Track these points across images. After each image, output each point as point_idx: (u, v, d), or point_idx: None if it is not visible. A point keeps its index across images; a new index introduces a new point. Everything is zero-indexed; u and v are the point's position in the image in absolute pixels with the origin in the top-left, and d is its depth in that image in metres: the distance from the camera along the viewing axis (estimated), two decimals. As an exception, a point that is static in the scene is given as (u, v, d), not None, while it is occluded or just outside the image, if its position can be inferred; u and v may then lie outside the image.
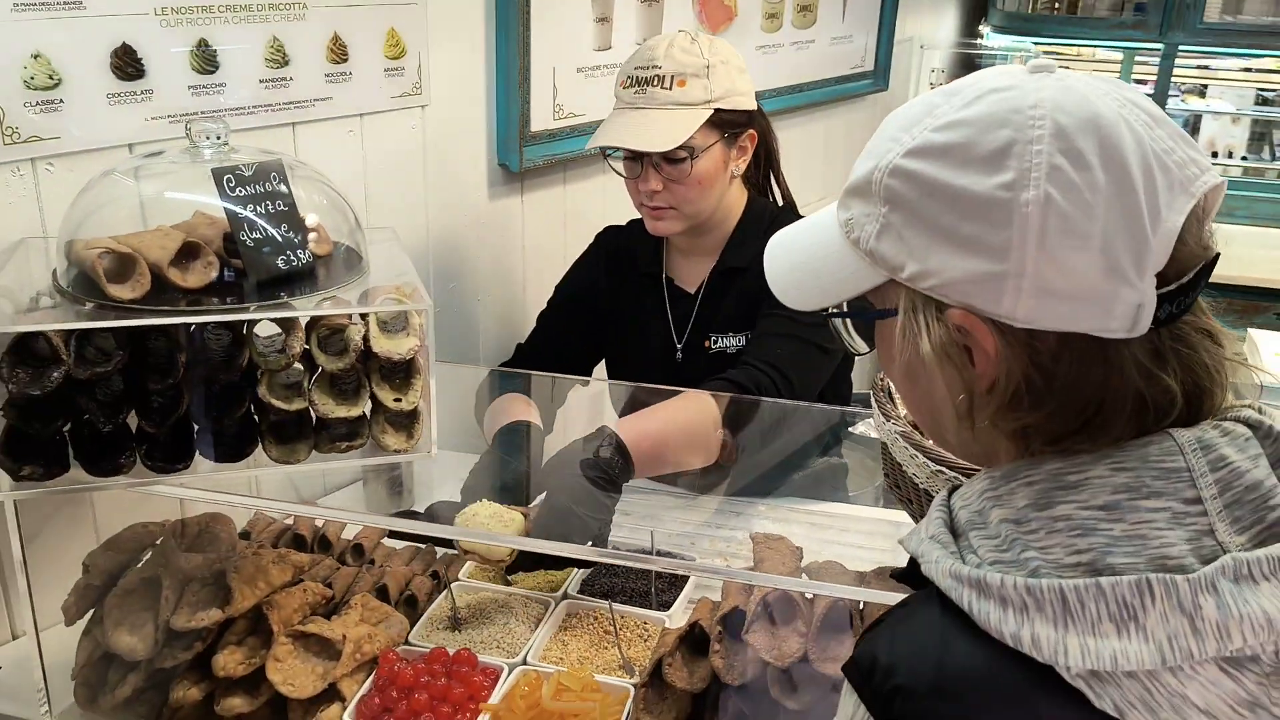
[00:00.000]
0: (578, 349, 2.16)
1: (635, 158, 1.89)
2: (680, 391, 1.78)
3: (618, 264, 2.13)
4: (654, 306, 2.08)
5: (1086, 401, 0.73)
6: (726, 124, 1.89)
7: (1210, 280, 0.76)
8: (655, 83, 1.85)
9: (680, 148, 1.83)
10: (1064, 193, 0.69)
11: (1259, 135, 7.34)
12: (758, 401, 1.88)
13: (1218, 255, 0.75)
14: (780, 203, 2.11)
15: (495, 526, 1.41)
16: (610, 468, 1.52)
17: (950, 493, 0.81)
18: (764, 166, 2.07)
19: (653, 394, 1.82)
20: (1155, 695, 0.66)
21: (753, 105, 1.93)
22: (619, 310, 2.11)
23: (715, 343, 2.00)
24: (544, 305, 2.19)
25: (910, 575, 0.79)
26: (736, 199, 2.00)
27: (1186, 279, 0.72)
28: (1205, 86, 7.25)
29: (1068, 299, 0.70)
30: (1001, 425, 0.76)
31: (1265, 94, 7.22)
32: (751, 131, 1.94)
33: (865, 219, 0.79)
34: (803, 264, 0.87)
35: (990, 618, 0.69)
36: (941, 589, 0.73)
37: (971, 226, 0.72)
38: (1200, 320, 0.75)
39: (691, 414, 1.76)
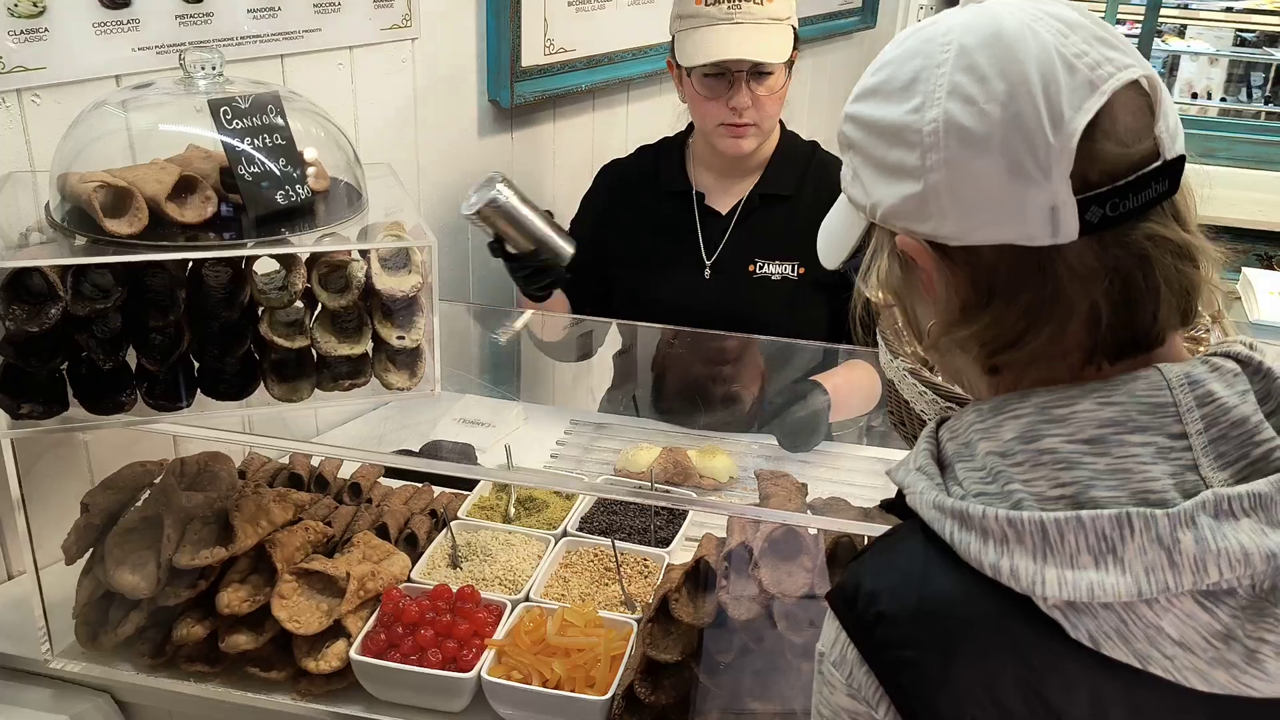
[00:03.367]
0: (597, 287, 2.15)
1: (722, 75, 1.90)
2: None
3: (632, 191, 2.12)
4: (682, 224, 2.07)
5: (1023, 311, 0.74)
6: (795, 40, 1.94)
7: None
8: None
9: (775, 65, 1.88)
10: (963, 105, 0.72)
11: (1237, 77, 7.35)
12: (751, 340, 1.90)
13: (1177, 161, 0.73)
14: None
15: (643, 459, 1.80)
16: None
17: (939, 425, 0.82)
18: None
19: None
20: (1130, 626, 0.68)
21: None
22: (639, 234, 2.10)
23: (760, 268, 2.01)
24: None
25: (898, 505, 0.81)
26: (773, 131, 2.03)
27: (1123, 182, 0.71)
28: (1184, 27, 7.23)
29: (981, 208, 0.72)
30: (951, 341, 0.78)
31: (1244, 35, 7.21)
32: (796, 51, 1.96)
33: (846, 168, 0.83)
34: (827, 228, 0.91)
35: (971, 548, 0.70)
36: (925, 520, 0.74)
37: (895, 154, 0.76)
38: (1171, 233, 0.73)
39: (865, 377, 1.93)
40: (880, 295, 0.84)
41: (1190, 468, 0.70)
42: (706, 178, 2.08)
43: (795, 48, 1.94)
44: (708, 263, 2.04)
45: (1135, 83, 0.72)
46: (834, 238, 0.89)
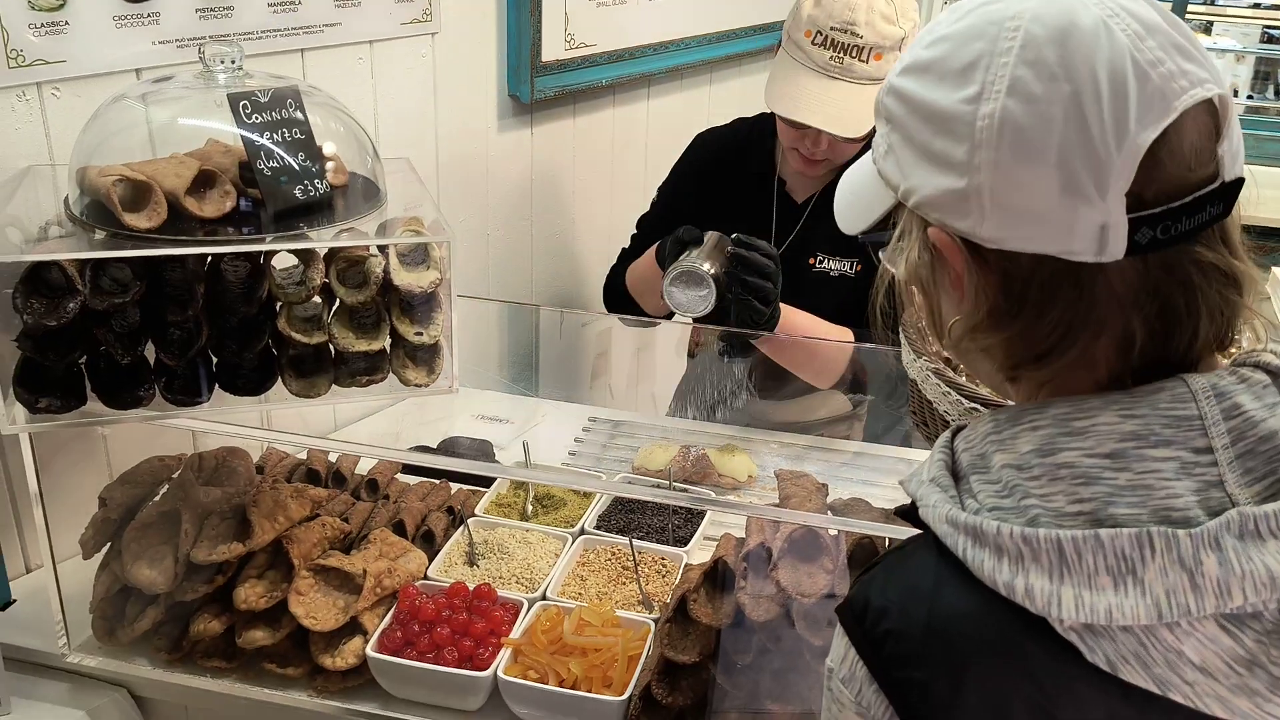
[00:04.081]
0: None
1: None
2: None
3: (720, 164, 2.06)
4: (759, 209, 2.02)
5: (1053, 327, 0.71)
6: None
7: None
8: (854, 53, 1.74)
9: None
10: (1023, 105, 0.67)
11: (1264, 74, 7.26)
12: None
13: (1234, 184, 0.69)
14: None
15: (661, 457, 1.78)
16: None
17: (954, 434, 0.79)
18: None
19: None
20: (1150, 650, 0.65)
21: None
22: (718, 210, 2.03)
23: (820, 263, 1.96)
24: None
25: (913, 513, 0.78)
26: None
27: (1178, 204, 0.67)
28: (1211, 24, 7.16)
29: (1026, 217, 0.68)
30: (973, 345, 0.76)
31: (1271, 32, 7.13)
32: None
33: (880, 140, 0.79)
34: (849, 187, 0.87)
35: (985, 566, 0.68)
36: (938, 534, 0.71)
37: (941, 142, 0.71)
38: (1218, 258, 0.70)
39: (834, 335, 1.88)
40: (905, 278, 0.80)
41: (1215, 484, 0.67)
42: (790, 166, 1.99)
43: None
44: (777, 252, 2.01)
45: (1208, 100, 0.68)
46: (857, 204, 0.84)
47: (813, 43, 1.76)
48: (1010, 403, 0.81)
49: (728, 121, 2.11)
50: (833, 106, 1.75)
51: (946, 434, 0.80)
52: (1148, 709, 0.65)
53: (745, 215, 2.03)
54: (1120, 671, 0.65)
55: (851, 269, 1.95)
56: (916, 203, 0.74)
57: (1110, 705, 0.65)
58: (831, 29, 1.73)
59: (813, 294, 1.94)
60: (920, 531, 0.76)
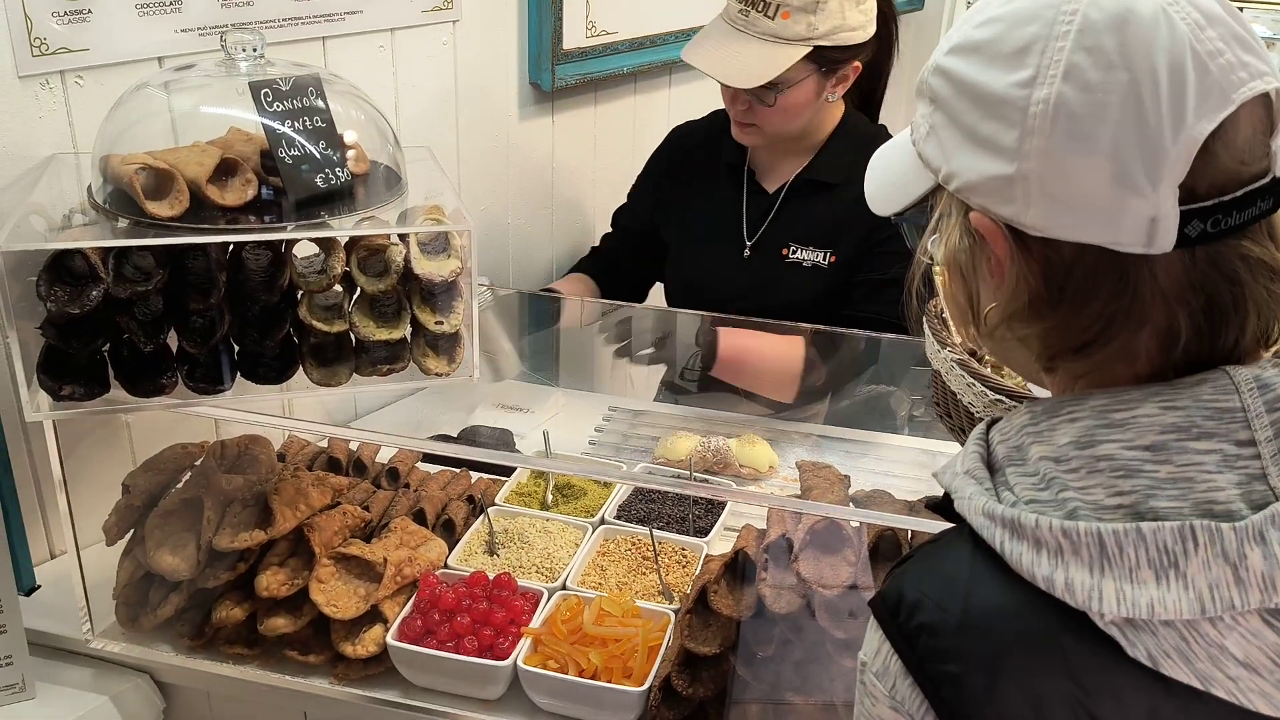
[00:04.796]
0: (645, 248, 2.15)
1: None
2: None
3: (691, 157, 2.09)
4: (730, 199, 2.03)
5: (1094, 319, 0.70)
6: (826, 60, 1.82)
7: None
8: (760, 7, 1.77)
9: (767, 84, 1.78)
10: (1078, 92, 0.66)
11: (1294, 62, 7.16)
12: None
13: None
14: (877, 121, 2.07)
15: (682, 447, 1.79)
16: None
17: (989, 426, 0.78)
18: (864, 83, 1.98)
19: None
20: (1192, 645, 0.64)
21: (862, 38, 1.83)
22: (689, 201, 2.07)
23: (793, 252, 1.96)
24: (571, 227, 2.16)
25: (944, 507, 0.77)
26: (830, 113, 1.95)
27: (1229, 197, 0.66)
28: (1241, 9, 7.07)
29: (1075, 206, 0.67)
30: (1009, 334, 0.74)
31: (1303, 18, 7.03)
32: (856, 64, 1.87)
33: (921, 120, 0.77)
34: (882, 167, 0.85)
35: (1023, 559, 0.67)
36: (974, 527, 0.71)
37: (989, 126, 0.70)
38: (1265, 253, 0.69)
39: (782, 350, 1.88)
40: (943, 263, 0.79)
41: (1258, 477, 0.65)
42: (761, 154, 2.02)
43: (825, 65, 1.81)
44: (748, 242, 2.00)
45: (1264, 94, 0.67)
46: (891, 185, 0.82)
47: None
48: (1045, 394, 0.79)
49: (707, 113, 2.13)
50: (729, 57, 1.79)
51: (981, 426, 0.78)
52: (1190, 704, 0.64)
53: (716, 206, 2.04)
54: (1162, 667, 0.64)
55: (825, 260, 1.94)
56: (959, 187, 0.73)
57: (1152, 701, 0.64)
58: None
59: (786, 285, 1.95)
60: (952, 525, 0.75)
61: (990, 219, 0.71)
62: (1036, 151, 0.67)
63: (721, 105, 1.98)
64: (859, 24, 1.81)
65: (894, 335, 1.84)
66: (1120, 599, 0.64)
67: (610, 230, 2.24)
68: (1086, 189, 0.66)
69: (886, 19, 1.92)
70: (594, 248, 2.27)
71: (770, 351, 1.89)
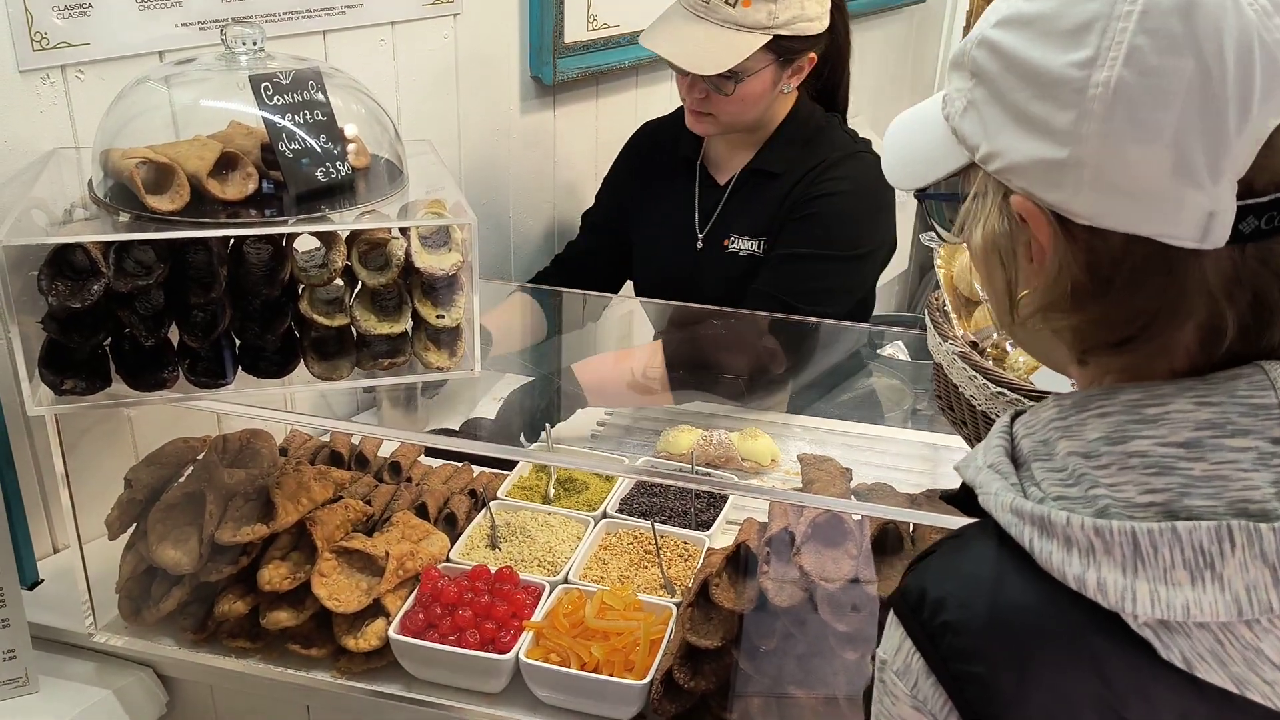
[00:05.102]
0: (613, 246, 2.16)
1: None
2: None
3: (654, 153, 2.11)
4: (684, 193, 2.06)
5: (1137, 313, 0.67)
6: (784, 49, 1.83)
7: None
8: None
9: (726, 72, 1.79)
10: (1140, 76, 0.62)
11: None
12: (798, 320, 1.87)
13: None
14: (841, 112, 2.06)
15: (684, 441, 1.78)
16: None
17: (1013, 418, 0.76)
18: (827, 76, 1.99)
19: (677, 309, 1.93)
20: (1228, 648, 0.62)
21: (819, 29, 1.85)
22: (650, 198, 2.09)
23: (733, 243, 1.98)
24: (573, 221, 2.17)
25: (960, 499, 0.75)
26: (783, 105, 1.95)
27: None
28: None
29: (1130, 196, 0.64)
30: (1044, 324, 0.72)
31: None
32: (811, 55, 1.87)
33: (957, 94, 0.73)
34: (907, 142, 0.81)
35: (1053, 558, 0.65)
36: (1000, 524, 0.68)
37: (1040, 106, 0.66)
38: None
39: (638, 361, 1.91)
40: (979, 246, 0.74)
41: None
42: (714, 147, 2.04)
43: (783, 54, 1.82)
44: (700, 234, 2.02)
45: None
46: (915, 160, 0.78)
47: None
48: (1071, 387, 0.77)
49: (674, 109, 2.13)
50: (690, 43, 1.79)
51: (1005, 418, 0.76)
52: (1223, 708, 0.63)
53: (670, 200, 2.06)
54: (1196, 670, 0.62)
55: (759, 248, 1.94)
56: (1000, 167, 0.69)
57: (1184, 704, 0.63)
58: None
59: (725, 274, 1.97)
60: (963, 518, 0.73)
61: (1034, 203, 0.68)
62: (1093, 136, 0.64)
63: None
64: (816, 15, 1.83)
65: (788, 315, 1.85)
66: (1155, 600, 0.62)
67: (576, 235, 2.24)
68: (1143, 179, 0.63)
69: (839, 9, 1.93)
70: (557, 256, 2.24)
71: (628, 364, 1.92)
